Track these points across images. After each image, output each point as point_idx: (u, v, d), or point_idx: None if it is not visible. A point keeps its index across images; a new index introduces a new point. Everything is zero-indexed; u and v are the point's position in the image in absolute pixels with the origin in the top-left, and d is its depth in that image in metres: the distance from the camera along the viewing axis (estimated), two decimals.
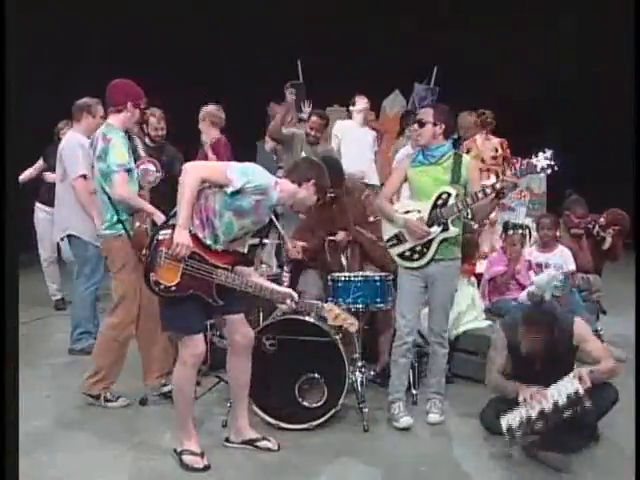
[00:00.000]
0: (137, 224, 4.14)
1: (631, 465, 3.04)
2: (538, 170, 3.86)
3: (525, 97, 9.85)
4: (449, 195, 3.94)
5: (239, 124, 6.18)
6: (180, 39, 9.35)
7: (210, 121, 6.25)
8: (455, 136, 6.64)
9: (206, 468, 3.47)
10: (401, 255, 4.05)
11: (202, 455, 3.51)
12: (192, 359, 3.42)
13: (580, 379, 3.53)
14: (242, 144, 7.86)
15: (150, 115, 5.60)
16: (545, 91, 10.07)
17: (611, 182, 8.71)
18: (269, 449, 3.69)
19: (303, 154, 6.13)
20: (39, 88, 7.85)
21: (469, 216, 4.16)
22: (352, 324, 3.59)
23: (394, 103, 8.80)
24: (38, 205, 6.82)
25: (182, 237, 3.26)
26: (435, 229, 3.94)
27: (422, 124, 4.00)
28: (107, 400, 4.30)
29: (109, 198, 4.12)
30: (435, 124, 3.98)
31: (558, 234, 5.58)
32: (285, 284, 4.81)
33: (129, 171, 4.14)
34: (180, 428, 3.57)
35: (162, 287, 3.27)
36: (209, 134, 6.25)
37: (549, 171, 3.84)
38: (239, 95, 6.18)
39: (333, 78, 6.16)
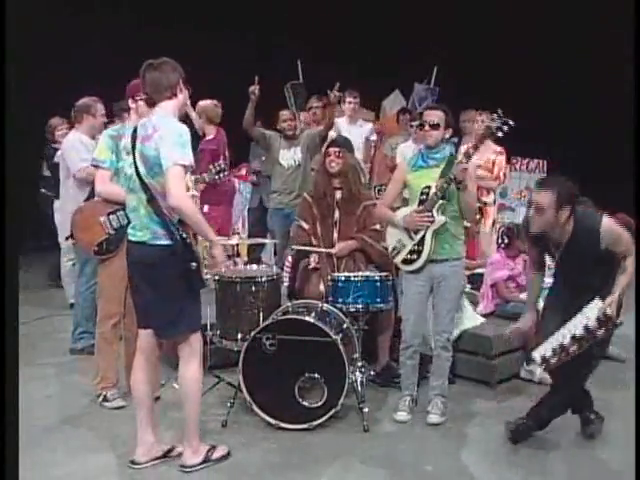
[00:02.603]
0: None
1: (631, 465, 3.06)
2: (494, 130, 3.95)
3: (525, 97, 9.84)
4: (429, 188, 3.99)
5: (239, 124, 6.17)
6: (180, 39, 9.35)
7: (207, 117, 6.27)
8: (455, 140, 6.72)
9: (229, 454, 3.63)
10: (404, 261, 4.11)
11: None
12: (200, 352, 3.46)
13: (605, 315, 3.48)
14: (243, 144, 7.87)
15: None
16: (545, 91, 10.07)
17: (611, 182, 8.70)
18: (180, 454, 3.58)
19: (282, 152, 6.13)
20: (39, 88, 7.84)
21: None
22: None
23: (394, 103, 8.81)
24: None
25: (222, 253, 3.47)
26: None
27: (435, 126, 4.00)
28: (105, 400, 4.29)
29: None
30: (445, 128, 4.03)
31: None
32: (285, 283, 4.83)
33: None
34: (194, 434, 3.51)
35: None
36: (206, 130, 6.27)
37: (505, 128, 3.93)
38: (239, 95, 6.18)
39: (333, 78, 6.14)
